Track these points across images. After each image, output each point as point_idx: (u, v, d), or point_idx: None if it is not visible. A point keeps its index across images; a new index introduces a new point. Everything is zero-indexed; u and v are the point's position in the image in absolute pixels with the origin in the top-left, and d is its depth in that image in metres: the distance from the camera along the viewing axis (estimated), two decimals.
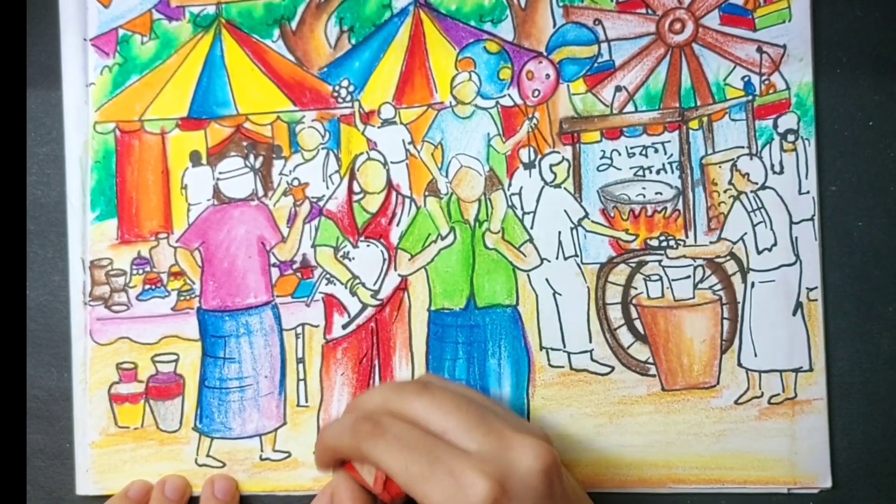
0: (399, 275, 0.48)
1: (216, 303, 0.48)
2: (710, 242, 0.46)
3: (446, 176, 0.48)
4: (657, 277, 0.46)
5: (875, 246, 0.46)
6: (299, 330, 0.48)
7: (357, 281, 0.48)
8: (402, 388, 0.40)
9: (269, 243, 0.48)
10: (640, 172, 0.47)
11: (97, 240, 0.48)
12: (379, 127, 0.48)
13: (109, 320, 0.48)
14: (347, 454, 0.39)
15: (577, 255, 0.47)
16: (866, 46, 0.46)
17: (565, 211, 0.47)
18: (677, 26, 0.47)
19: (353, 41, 0.48)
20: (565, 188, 0.47)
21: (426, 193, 0.48)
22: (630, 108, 0.47)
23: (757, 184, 0.46)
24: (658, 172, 0.47)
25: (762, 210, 0.46)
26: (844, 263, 0.46)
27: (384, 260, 0.48)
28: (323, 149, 0.48)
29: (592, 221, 0.47)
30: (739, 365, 0.46)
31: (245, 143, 0.48)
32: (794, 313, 0.46)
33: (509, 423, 0.38)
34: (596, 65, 0.47)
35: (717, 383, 0.46)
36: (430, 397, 0.38)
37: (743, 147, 0.46)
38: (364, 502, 0.39)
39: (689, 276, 0.46)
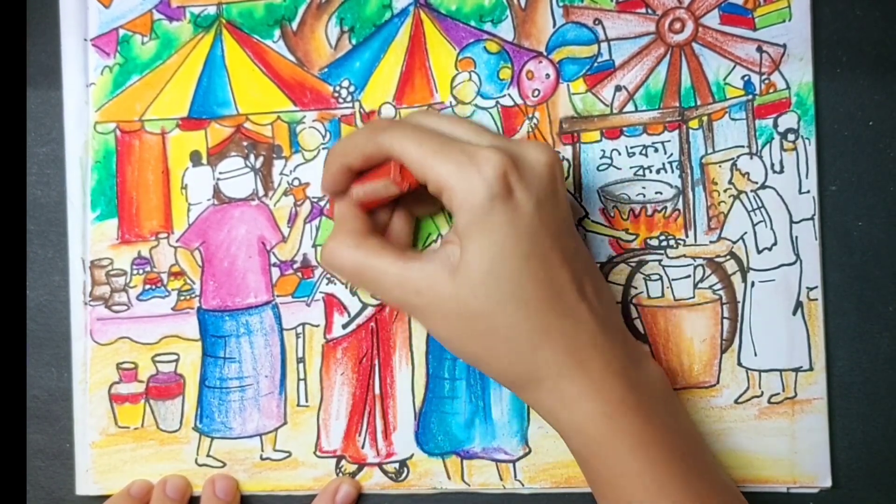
0: None
1: (216, 303, 0.48)
2: (710, 242, 0.46)
3: None
4: (657, 277, 0.46)
5: (875, 246, 0.46)
6: (299, 330, 0.48)
7: None
8: (410, 114, 0.43)
9: (270, 243, 0.48)
10: (640, 172, 0.47)
11: (97, 240, 0.48)
12: None
13: (109, 320, 0.48)
14: (361, 150, 0.40)
15: None
16: (866, 46, 0.46)
17: None
18: (677, 26, 0.47)
19: (354, 41, 0.48)
20: None
21: None
22: (630, 107, 0.47)
23: (757, 183, 0.46)
24: (658, 172, 0.47)
25: (762, 209, 0.46)
26: (844, 263, 0.46)
27: None
28: (324, 149, 0.48)
29: (592, 221, 0.47)
30: (739, 364, 0.46)
31: (245, 143, 0.48)
32: (794, 313, 0.46)
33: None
34: (596, 64, 0.47)
35: (717, 383, 0.46)
36: (438, 115, 0.41)
37: (743, 146, 0.46)
38: (363, 220, 0.42)
39: (689, 276, 0.46)
